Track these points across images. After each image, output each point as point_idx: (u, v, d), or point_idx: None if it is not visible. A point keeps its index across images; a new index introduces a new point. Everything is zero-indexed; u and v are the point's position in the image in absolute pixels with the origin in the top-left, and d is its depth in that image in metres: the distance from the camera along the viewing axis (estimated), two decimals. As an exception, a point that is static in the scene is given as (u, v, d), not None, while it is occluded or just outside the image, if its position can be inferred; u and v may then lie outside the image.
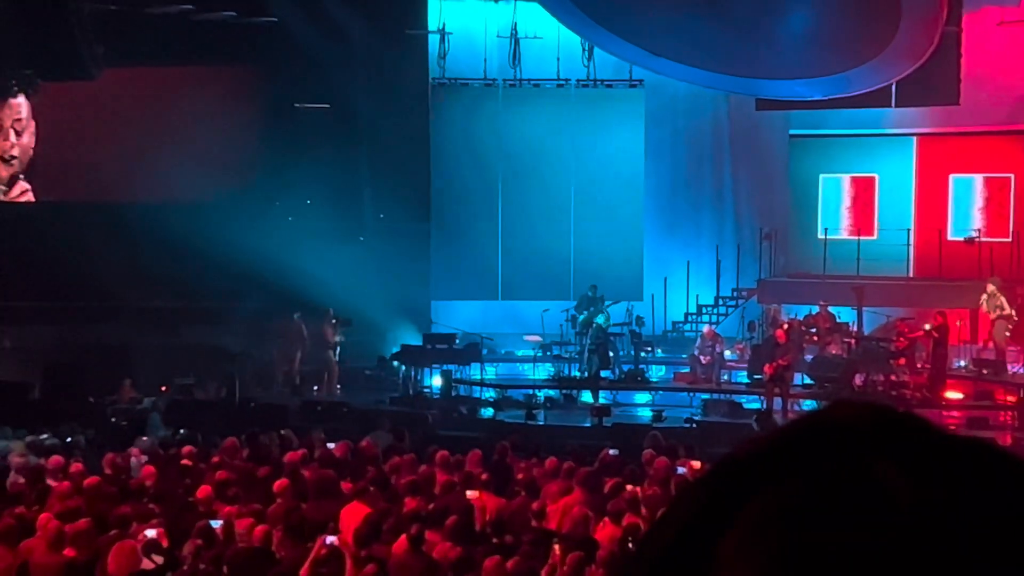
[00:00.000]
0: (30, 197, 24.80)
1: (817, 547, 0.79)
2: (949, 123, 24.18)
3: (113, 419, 19.48)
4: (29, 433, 16.47)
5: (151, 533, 9.83)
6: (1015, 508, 0.81)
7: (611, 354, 22.43)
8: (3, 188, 24.68)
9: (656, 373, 23.55)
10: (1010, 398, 20.68)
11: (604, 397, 21.73)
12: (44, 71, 24.22)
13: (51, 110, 24.69)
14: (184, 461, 13.56)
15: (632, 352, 23.36)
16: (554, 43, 24.91)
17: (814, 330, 22.36)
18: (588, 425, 19.79)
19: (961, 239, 24.21)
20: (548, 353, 23.46)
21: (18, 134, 24.58)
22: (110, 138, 24.45)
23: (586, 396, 21.75)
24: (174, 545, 9.96)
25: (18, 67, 24.22)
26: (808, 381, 21.45)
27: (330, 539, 9.51)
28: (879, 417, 0.86)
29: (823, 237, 24.96)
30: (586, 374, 22.12)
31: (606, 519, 10.75)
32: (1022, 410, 19.93)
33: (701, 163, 26.82)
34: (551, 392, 21.91)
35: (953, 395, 21.00)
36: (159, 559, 9.54)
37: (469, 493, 11.75)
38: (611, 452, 14.45)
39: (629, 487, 11.97)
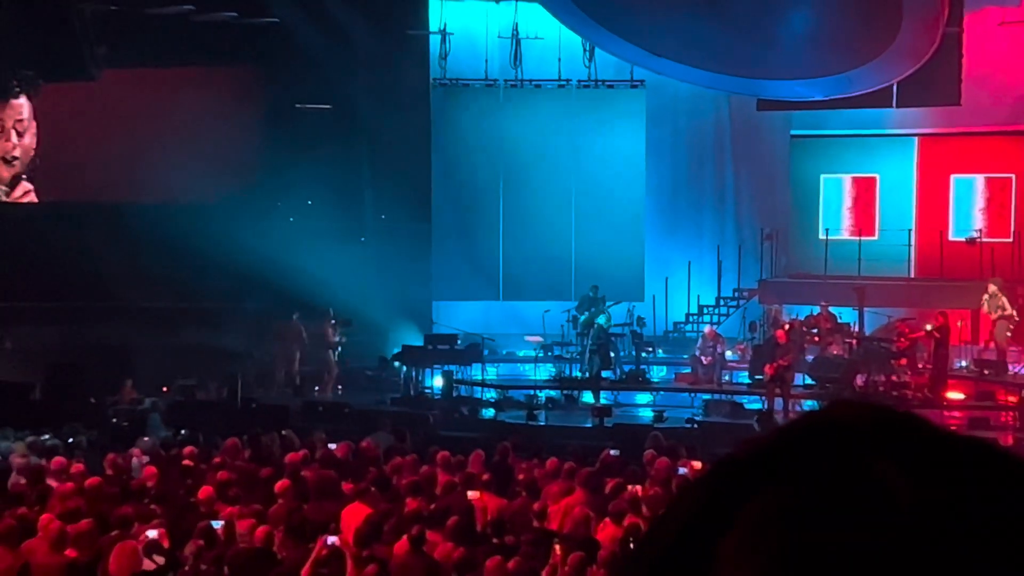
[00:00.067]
0: (33, 198, 24.81)
1: (817, 547, 0.79)
2: (950, 123, 24.19)
3: (114, 420, 19.47)
4: (30, 434, 16.46)
5: (152, 534, 9.83)
6: (1015, 508, 0.81)
7: (612, 354, 22.43)
8: (5, 189, 24.69)
9: (657, 373, 23.55)
10: (1011, 398, 20.66)
11: (605, 397, 21.72)
12: (45, 72, 24.23)
13: (52, 111, 24.70)
14: (185, 462, 13.56)
15: (633, 352, 23.36)
16: (555, 43, 24.91)
17: (815, 330, 22.35)
18: (589, 425, 19.78)
19: (962, 239, 24.22)
20: (549, 354, 23.45)
21: (20, 135, 24.59)
22: (111, 139, 24.45)
23: (587, 396, 21.75)
24: (175, 546, 9.97)
25: (20, 68, 24.23)
26: (809, 381, 21.43)
27: (331, 540, 9.52)
28: (879, 417, 0.86)
29: (824, 237, 24.96)
30: (587, 374, 22.12)
31: (607, 519, 10.75)
32: (1023, 410, 19.91)
33: (702, 163, 26.82)
34: (552, 393, 21.90)
35: (954, 395, 20.99)
36: (160, 560, 9.55)
37: (470, 494, 11.76)
38: (612, 453, 14.46)
39: (630, 487, 11.97)
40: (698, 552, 0.83)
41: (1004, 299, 21.36)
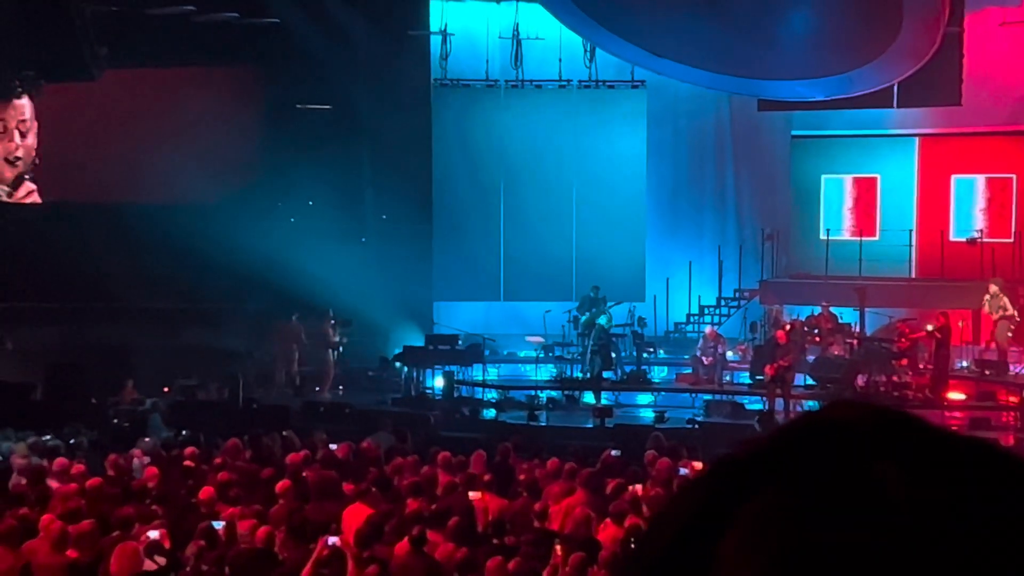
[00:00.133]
0: (36, 198, 24.81)
1: (817, 547, 0.79)
2: (951, 124, 24.18)
3: (115, 420, 19.48)
4: (32, 434, 16.46)
5: (154, 534, 9.84)
6: (1015, 508, 0.81)
7: (613, 355, 22.42)
8: (8, 190, 24.69)
9: (658, 374, 23.55)
10: (1012, 399, 20.65)
11: (606, 398, 21.72)
12: (47, 72, 24.23)
13: (53, 111, 24.70)
14: (186, 462, 13.55)
15: (634, 353, 23.36)
16: (556, 44, 24.91)
17: (816, 331, 22.34)
18: (590, 426, 19.78)
19: (963, 240, 24.22)
20: (550, 354, 23.45)
21: (23, 135, 24.61)
22: (112, 139, 24.46)
23: (588, 397, 21.74)
24: (176, 546, 9.97)
25: (21, 68, 24.23)
26: (810, 382, 21.42)
27: (332, 540, 9.52)
28: (878, 417, 0.86)
29: (825, 238, 24.96)
30: (588, 375, 22.11)
31: (608, 520, 10.75)
32: (1024, 411, 19.92)
33: (703, 164, 26.82)
34: (553, 393, 21.89)
35: (955, 396, 20.98)
36: (161, 560, 9.55)
37: (471, 494, 11.76)
38: (613, 453, 14.45)
39: (631, 488, 11.97)
40: (697, 552, 0.83)
41: (1005, 299, 21.36)
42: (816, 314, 22.60)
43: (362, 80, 24.68)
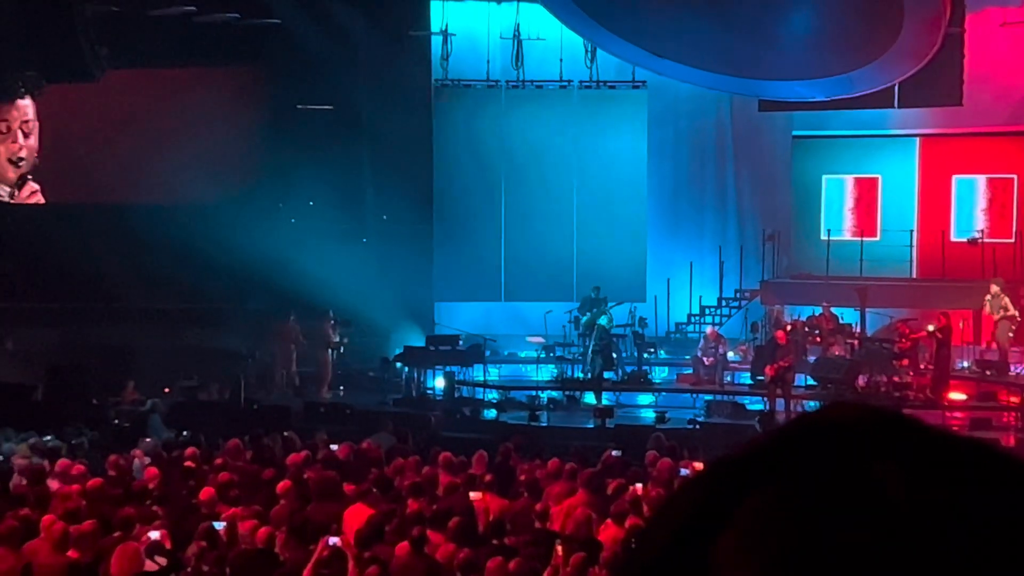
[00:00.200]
0: (39, 198, 24.82)
1: (816, 546, 0.79)
2: (952, 124, 24.17)
3: (116, 421, 19.48)
4: (32, 435, 16.47)
5: (154, 535, 9.84)
6: (1015, 509, 0.81)
7: (614, 355, 22.42)
8: (11, 190, 24.70)
9: (659, 374, 23.53)
10: (1013, 399, 20.66)
11: (607, 398, 21.71)
12: (48, 72, 24.25)
13: (54, 112, 24.72)
14: (187, 463, 13.54)
15: (635, 353, 23.36)
16: (557, 44, 24.91)
17: (817, 331, 22.34)
18: (591, 426, 19.78)
19: (964, 240, 24.22)
20: (551, 354, 23.45)
21: (26, 135, 24.63)
22: (113, 140, 24.46)
23: (589, 397, 21.74)
24: (177, 547, 9.97)
25: (23, 68, 24.24)
26: (811, 382, 21.42)
27: (333, 540, 9.51)
28: (878, 418, 0.86)
29: (826, 238, 24.97)
30: (589, 375, 22.11)
31: (609, 520, 10.75)
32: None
33: (704, 164, 26.81)
34: (554, 393, 21.89)
35: (956, 396, 20.98)
36: (162, 561, 9.55)
37: (472, 494, 11.76)
38: (614, 453, 14.45)
39: (632, 488, 11.97)
40: (696, 551, 0.83)
41: (1006, 299, 21.36)
42: (817, 314, 22.60)
43: (363, 80, 24.69)
